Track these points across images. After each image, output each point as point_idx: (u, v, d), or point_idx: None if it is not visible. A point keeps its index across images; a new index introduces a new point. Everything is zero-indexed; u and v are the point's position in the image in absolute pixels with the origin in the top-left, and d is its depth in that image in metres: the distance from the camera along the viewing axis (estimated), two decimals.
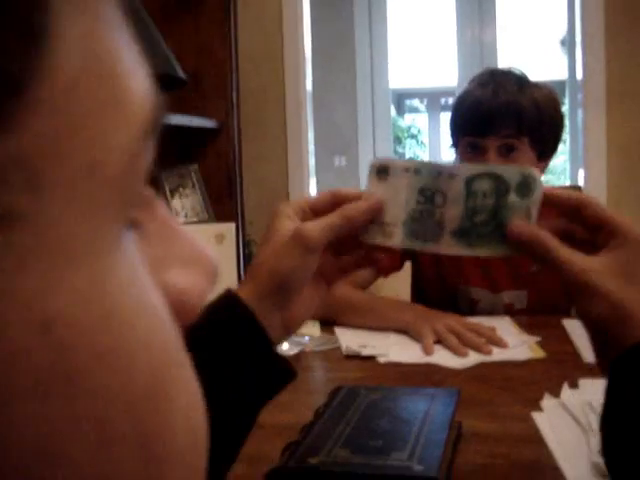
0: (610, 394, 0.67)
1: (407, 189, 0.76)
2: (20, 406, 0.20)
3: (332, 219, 0.72)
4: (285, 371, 0.74)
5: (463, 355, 1.40)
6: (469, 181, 0.74)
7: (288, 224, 0.73)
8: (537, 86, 1.74)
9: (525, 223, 0.72)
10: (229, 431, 0.71)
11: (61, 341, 0.20)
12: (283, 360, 0.74)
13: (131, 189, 0.23)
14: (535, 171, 0.74)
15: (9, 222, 0.19)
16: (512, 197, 0.73)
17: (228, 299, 0.72)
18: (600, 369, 0.73)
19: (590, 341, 0.75)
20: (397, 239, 0.77)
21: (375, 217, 0.76)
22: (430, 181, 0.75)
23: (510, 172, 0.74)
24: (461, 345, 1.43)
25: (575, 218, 0.73)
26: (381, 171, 0.77)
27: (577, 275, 0.68)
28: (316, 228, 0.71)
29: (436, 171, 0.75)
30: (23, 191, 0.19)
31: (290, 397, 1.21)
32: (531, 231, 0.71)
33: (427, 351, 1.42)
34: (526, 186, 0.73)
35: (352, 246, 0.79)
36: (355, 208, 0.74)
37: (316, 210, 0.76)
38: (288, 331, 0.76)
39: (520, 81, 1.73)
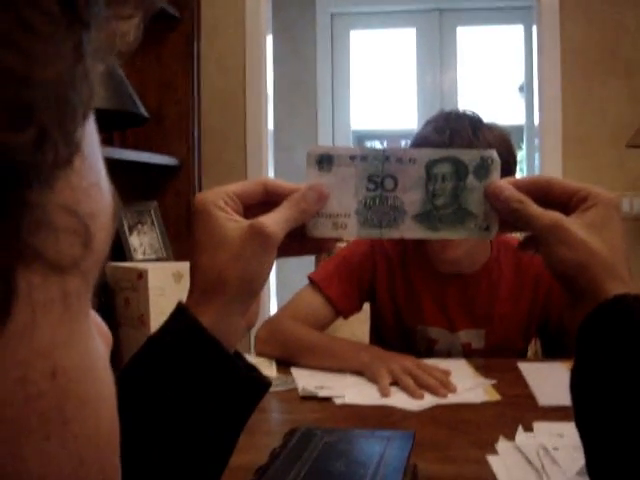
0: (580, 352, 0.68)
1: (355, 177, 0.74)
2: (30, 444, 0.23)
3: (289, 213, 0.69)
4: (258, 382, 0.72)
5: (419, 397, 1.40)
6: (429, 165, 0.75)
7: (229, 219, 0.68)
8: (489, 128, 1.75)
9: (505, 183, 0.74)
10: (211, 463, 0.70)
11: (63, 388, 0.23)
12: (251, 374, 0.71)
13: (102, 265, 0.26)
14: (494, 152, 0.76)
15: (60, 272, 0.22)
16: (471, 179, 0.75)
17: (186, 327, 0.67)
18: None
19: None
20: (352, 230, 0.75)
21: (321, 209, 0.74)
22: (379, 167, 0.74)
23: (469, 155, 0.75)
24: (417, 387, 1.43)
25: (544, 201, 0.74)
26: (323, 161, 0.75)
27: (552, 221, 0.70)
28: (275, 222, 0.68)
29: (383, 156, 0.74)
30: (74, 244, 0.22)
31: (245, 438, 1.20)
32: (510, 188, 0.73)
33: (383, 393, 1.42)
34: (485, 168, 0.75)
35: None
36: (307, 199, 0.71)
37: (245, 200, 0.71)
38: (249, 327, 0.73)
39: (474, 124, 1.74)
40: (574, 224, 0.70)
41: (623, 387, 0.64)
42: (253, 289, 0.69)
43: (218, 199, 0.69)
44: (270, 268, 0.69)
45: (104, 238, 0.26)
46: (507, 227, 0.76)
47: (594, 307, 0.67)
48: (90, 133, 0.25)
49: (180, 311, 0.68)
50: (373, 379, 1.49)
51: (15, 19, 0.20)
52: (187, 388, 0.66)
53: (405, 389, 1.44)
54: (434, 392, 1.42)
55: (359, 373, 1.54)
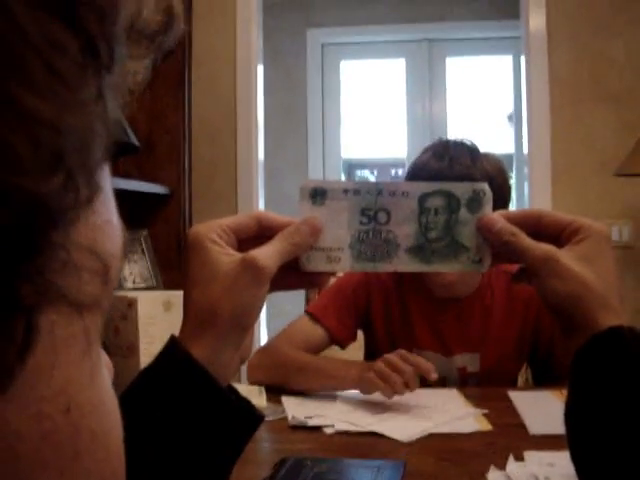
0: (575, 384, 0.68)
1: (348, 211, 0.74)
2: (38, 473, 0.23)
3: (281, 246, 0.69)
4: (251, 415, 0.71)
5: (394, 384, 1.46)
6: (422, 198, 0.75)
7: (222, 252, 0.68)
8: (486, 157, 1.79)
9: (497, 216, 0.74)
10: None
11: (76, 423, 0.24)
12: (244, 407, 0.70)
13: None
14: (485, 185, 0.76)
15: (82, 310, 0.24)
16: (463, 212, 0.75)
17: (177, 359, 0.67)
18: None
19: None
20: (345, 263, 0.75)
21: (315, 243, 0.74)
22: (372, 200, 0.74)
23: (461, 188, 0.76)
24: (391, 372, 1.48)
25: (535, 233, 0.74)
26: (316, 194, 0.75)
27: (544, 254, 0.70)
28: (268, 256, 0.67)
29: (376, 190, 0.75)
30: (95, 282, 0.23)
31: (235, 468, 1.19)
32: (502, 221, 0.73)
33: (388, 394, 1.47)
34: (477, 201, 0.75)
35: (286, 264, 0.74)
36: (300, 233, 0.71)
37: (239, 233, 0.71)
38: (243, 361, 0.73)
39: (472, 153, 1.77)
40: (566, 257, 0.70)
41: (618, 419, 0.64)
42: (246, 322, 0.68)
43: (212, 232, 0.69)
44: (262, 301, 0.69)
45: (116, 273, 0.26)
46: (500, 259, 0.77)
47: (588, 339, 0.67)
48: (104, 170, 0.26)
49: (172, 344, 0.68)
50: (368, 390, 1.51)
51: (43, 66, 0.21)
52: (179, 421, 0.66)
53: (381, 376, 1.48)
54: (409, 380, 1.47)
55: (348, 400, 1.54)
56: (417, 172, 1.80)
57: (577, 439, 0.68)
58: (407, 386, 1.47)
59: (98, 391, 0.26)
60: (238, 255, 0.68)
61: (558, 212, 0.76)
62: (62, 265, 0.22)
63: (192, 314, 0.69)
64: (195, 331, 0.68)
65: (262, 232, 0.72)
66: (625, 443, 0.64)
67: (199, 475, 0.68)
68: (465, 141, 1.83)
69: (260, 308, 0.69)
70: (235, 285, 0.67)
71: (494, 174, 1.74)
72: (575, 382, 0.68)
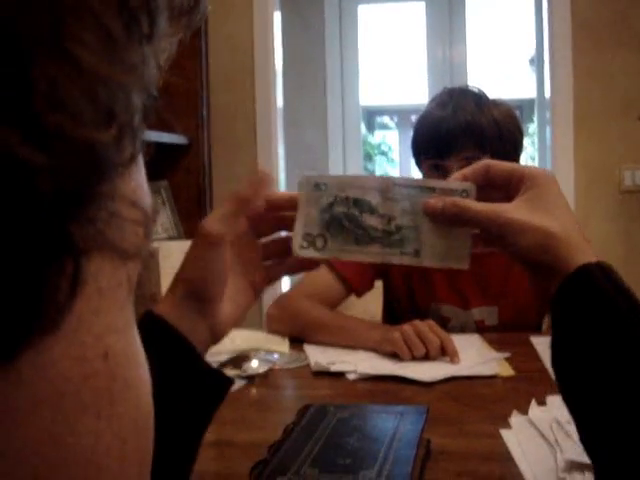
0: (555, 330, 0.69)
1: (335, 200, 0.77)
2: (84, 420, 0.25)
3: (227, 205, 0.72)
4: (220, 380, 0.73)
5: (416, 351, 1.46)
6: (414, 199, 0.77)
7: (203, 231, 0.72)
8: (495, 104, 1.75)
9: (434, 198, 0.75)
10: (175, 457, 0.70)
11: (112, 370, 0.26)
12: (214, 369, 0.73)
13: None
14: (469, 185, 0.76)
15: (126, 259, 0.26)
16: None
17: (146, 319, 0.70)
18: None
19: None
20: (333, 250, 0.78)
21: (261, 195, 0.76)
22: (364, 192, 0.77)
23: (445, 185, 0.77)
24: (418, 340, 1.48)
25: (486, 185, 0.76)
26: (310, 185, 0.78)
27: (498, 217, 0.71)
28: (214, 220, 0.71)
29: (373, 184, 0.77)
30: (138, 233, 0.25)
31: (259, 415, 1.20)
32: (444, 200, 0.74)
33: (404, 355, 1.47)
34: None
35: (278, 251, 0.79)
36: (244, 189, 0.74)
37: (247, 212, 0.74)
38: (215, 338, 0.75)
39: (478, 100, 1.74)
40: (518, 210, 0.71)
41: (599, 358, 0.65)
42: (198, 290, 0.72)
43: (212, 218, 0.72)
44: (216, 269, 0.71)
45: (153, 226, 0.28)
46: (487, 243, 0.78)
47: (559, 283, 0.68)
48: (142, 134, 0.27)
49: (146, 312, 0.71)
50: (388, 350, 1.51)
51: (97, 25, 0.22)
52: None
53: (407, 339, 1.48)
54: (433, 351, 1.47)
55: (372, 350, 1.55)
56: (421, 124, 1.77)
57: (565, 383, 0.69)
58: (427, 356, 1.48)
59: (132, 342, 0.28)
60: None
61: (503, 162, 0.77)
62: (110, 215, 0.24)
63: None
64: (164, 299, 0.73)
65: (269, 210, 0.75)
66: (611, 382, 0.65)
67: (170, 437, 0.69)
68: (472, 88, 1.80)
69: (215, 277, 0.72)
70: (191, 253, 0.72)
71: (502, 121, 1.71)
72: (554, 327, 0.69)
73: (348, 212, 0.77)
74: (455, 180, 0.77)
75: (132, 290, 0.28)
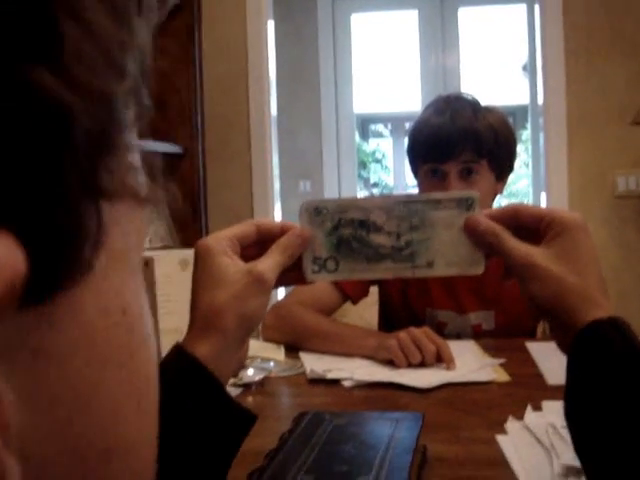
0: (570, 380, 0.70)
1: (340, 223, 0.79)
2: (109, 369, 0.26)
3: (279, 258, 0.76)
4: (245, 416, 0.75)
5: (412, 359, 1.47)
6: (418, 210, 0.79)
7: (230, 263, 0.75)
8: (489, 110, 1.79)
9: (481, 216, 0.77)
10: None
11: (130, 324, 0.28)
12: (241, 406, 0.75)
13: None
14: (474, 193, 0.79)
15: (140, 203, 0.28)
16: (457, 218, 0.78)
17: (175, 357, 0.72)
18: (560, 349, 0.75)
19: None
20: (344, 272, 0.79)
21: (303, 251, 0.79)
22: (367, 212, 0.78)
23: (454, 194, 0.79)
24: (415, 348, 1.48)
25: (516, 227, 0.76)
26: (313, 212, 0.80)
27: (523, 259, 0.73)
28: (270, 269, 0.75)
29: (373, 203, 0.79)
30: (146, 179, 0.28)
31: (256, 423, 1.20)
32: (487, 222, 0.76)
33: (400, 362, 1.47)
34: (464, 207, 0.78)
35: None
36: (293, 246, 0.77)
37: (243, 241, 0.78)
38: (241, 364, 0.80)
39: (474, 106, 1.77)
40: (543, 257, 0.72)
41: (608, 414, 0.66)
42: (249, 326, 0.75)
43: (220, 244, 0.76)
44: (265, 308, 0.76)
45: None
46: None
47: (573, 338, 0.69)
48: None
49: (176, 347, 0.73)
50: (384, 356, 1.51)
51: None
52: (181, 417, 0.70)
53: (403, 347, 1.48)
54: (428, 357, 1.47)
55: (367, 358, 1.55)
56: (419, 130, 1.79)
57: (576, 431, 0.69)
58: (423, 363, 1.48)
59: (143, 304, 0.30)
60: (244, 265, 0.75)
61: (533, 206, 0.78)
62: (128, 164, 0.26)
63: (199, 317, 0.75)
64: (201, 333, 0.73)
65: (262, 238, 0.79)
66: (616, 440, 0.65)
67: (199, 472, 0.72)
68: (466, 95, 1.83)
69: (263, 314, 0.76)
70: (242, 293, 0.73)
71: (498, 127, 1.75)
72: (567, 381, 0.70)
73: (355, 233, 0.78)
74: (458, 190, 0.79)
75: (141, 260, 0.30)
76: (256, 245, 0.79)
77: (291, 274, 0.80)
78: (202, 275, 0.75)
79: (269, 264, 0.75)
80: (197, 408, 0.71)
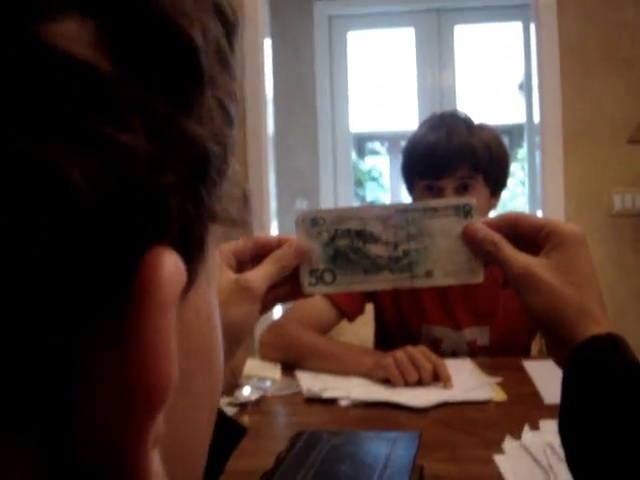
0: (565, 395, 0.70)
1: (337, 234, 0.78)
2: (200, 363, 0.31)
3: (270, 268, 0.75)
4: (232, 428, 0.74)
5: (409, 377, 1.47)
6: (415, 218, 0.78)
7: (220, 275, 0.74)
8: (482, 127, 1.81)
9: (480, 224, 0.76)
10: None
11: (212, 329, 0.32)
12: (227, 418, 0.74)
13: None
14: (472, 200, 0.79)
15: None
16: (455, 226, 0.78)
17: None
18: (555, 362, 0.74)
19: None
20: (342, 284, 0.78)
21: (300, 262, 0.78)
22: (363, 223, 0.78)
23: (450, 202, 0.79)
24: (411, 366, 1.48)
25: (514, 236, 0.76)
26: (311, 222, 0.79)
27: (521, 269, 0.72)
28: (258, 278, 0.74)
29: (368, 213, 0.78)
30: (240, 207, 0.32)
31: (251, 443, 1.20)
32: (486, 230, 0.75)
33: (396, 381, 1.46)
34: (462, 214, 0.78)
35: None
36: (286, 257, 0.76)
37: (239, 255, 0.77)
38: (234, 378, 0.78)
39: (468, 123, 1.80)
40: (542, 269, 0.71)
41: (603, 431, 0.66)
42: (235, 337, 0.73)
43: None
44: (253, 319, 0.75)
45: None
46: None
47: (569, 353, 0.69)
48: None
49: None
50: (380, 376, 1.51)
51: (218, 50, 0.28)
52: None
53: (399, 366, 1.48)
54: (425, 376, 1.47)
55: (364, 377, 1.54)
56: (414, 147, 1.81)
57: (570, 448, 0.69)
58: (420, 382, 1.48)
59: (218, 314, 0.34)
60: (233, 276, 0.74)
61: (532, 216, 0.77)
62: (230, 193, 0.30)
63: None
64: None
65: (258, 252, 0.78)
66: (610, 457, 0.65)
67: None
68: (459, 112, 1.85)
69: (250, 325, 0.75)
70: (227, 302, 0.73)
71: (492, 143, 1.78)
72: (563, 396, 0.70)
73: (352, 244, 0.77)
74: (454, 197, 0.78)
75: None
76: (254, 260, 0.78)
77: (288, 288, 0.79)
78: None
79: (258, 274, 0.74)
80: None
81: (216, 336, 0.33)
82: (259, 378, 1.53)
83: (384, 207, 0.77)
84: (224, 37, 0.29)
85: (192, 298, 0.29)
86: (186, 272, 0.26)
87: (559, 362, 0.72)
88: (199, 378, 0.31)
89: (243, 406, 1.38)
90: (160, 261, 0.24)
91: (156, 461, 0.25)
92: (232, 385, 0.77)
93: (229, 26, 0.30)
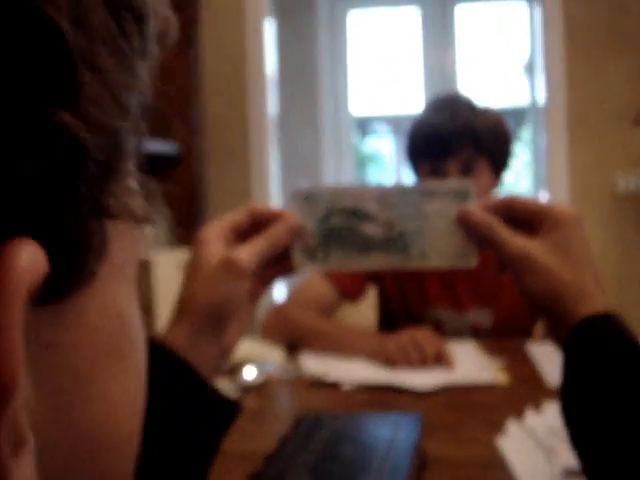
0: (565, 376, 0.70)
1: (332, 210, 0.77)
2: (104, 367, 0.30)
3: (260, 245, 0.74)
4: (229, 406, 0.73)
5: (414, 361, 1.48)
6: (414, 201, 0.77)
7: (213, 251, 0.73)
8: (485, 110, 1.82)
9: (475, 208, 0.76)
10: None
11: (124, 326, 0.31)
12: (219, 394, 0.72)
13: None
14: (469, 182, 0.78)
15: (138, 223, 0.32)
16: (452, 208, 0.77)
17: (156, 350, 0.69)
18: (554, 343, 0.74)
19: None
20: (334, 261, 0.78)
21: (293, 240, 0.77)
22: (358, 202, 0.77)
23: (449, 184, 0.78)
24: (414, 350, 1.49)
25: (510, 219, 0.76)
26: (304, 198, 0.78)
27: (517, 251, 0.72)
28: (246, 255, 0.72)
29: (364, 192, 0.77)
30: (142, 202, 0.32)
31: (254, 426, 1.20)
32: (481, 213, 0.75)
33: (399, 364, 1.48)
34: (460, 196, 0.77)
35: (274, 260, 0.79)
36: (278, 233, 0.75)
37: (237, 231, 0.76)
38: (225, 356, 0.75)
39: (471, 105, 1.80)
40: (539, 250, 0.72)
41: (602, 410, 0.66)
42: (219, 316, 0.72)
43: (211, 234, 0.75)
44: (240, 297, 0.74)
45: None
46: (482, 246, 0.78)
47: (567, 332, 0.69)
48: None
49: (150, 340, 0.72)
50: (383, 360, 1.51)
51: (116, 50, 0.27)
52: (160, 409, 0.66)
53: (403, 348, 1.49)
54: (428, 359, 1.48)
55: (367, 359, 1.54)
56: (418, 128, 1.81)
57: (572, 428, 0.69)
58: (423, 365, 1.48)
59: (136, 313, 0.33)
60: (224, 252, 0.73)
61: (528, 198, 0.77)
62: (128, 189, 0.30)
63: (177, 305, 0.74)
64: (175, 320, 0.73)
65: (256, 224, 0.76)
66: (611, 435, 0.65)
67: (181, 464, 0.69)
68: (463, 95, 1.87)
69: (237, 304, 0.73)
70: (214, 278, 0.72)
71: (495, 124, 1.79)
72: (562, 377, 0.70)
73: (347, 222, 0.77)
74: (453, 179, 0.78)
75: (136, 275, 0.34)
76: (251, 232, 0.77)
77: (280, 265, 0.79)
78: (189, 266, 0.75)
79: (248, 250, 0.73)
80: (167, 393, 0.69)
81: (128, 332, 0.32)
82: (262, 362, 1.53)
83: (381, 187, 0.77)
84: (120, 29, 0.28)
85: (94, 297, 0.29)
86: (72, 270, 0.26)
87: (559, 344, 0.73)
88: (108, 373, 0.30)
89: (246, 390, 1.38)
90: (10, 255, 0.23)
91: (23, 467, 0.23)
92: (222, 363, 0.75)
93: (128, 20, 0.28)
